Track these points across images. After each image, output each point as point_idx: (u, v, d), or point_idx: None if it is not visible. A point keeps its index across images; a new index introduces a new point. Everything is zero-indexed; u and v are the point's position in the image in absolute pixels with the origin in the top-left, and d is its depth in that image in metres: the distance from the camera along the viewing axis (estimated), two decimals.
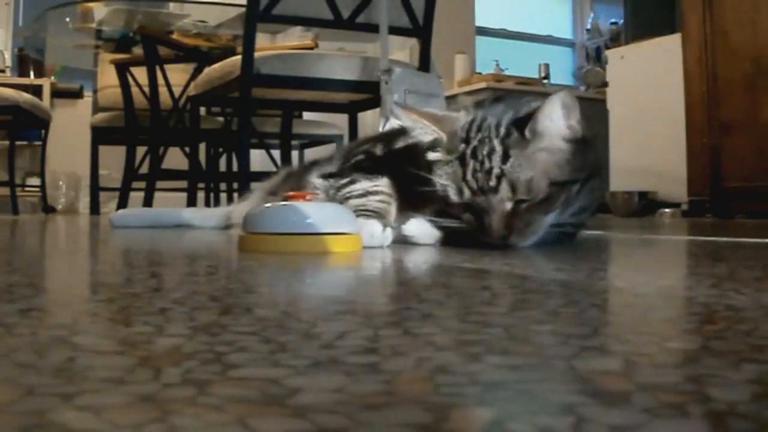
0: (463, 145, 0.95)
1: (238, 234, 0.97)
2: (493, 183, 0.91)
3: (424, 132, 1.00)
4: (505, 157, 0.91)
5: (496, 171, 0.91)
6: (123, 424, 0.21)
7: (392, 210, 1.07)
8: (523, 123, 0.94)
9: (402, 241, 1.04)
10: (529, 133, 0.93)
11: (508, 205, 0.92)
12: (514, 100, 1.03)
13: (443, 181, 0.97)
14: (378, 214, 1.02)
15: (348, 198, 1.08)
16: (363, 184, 1.09)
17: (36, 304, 0.46)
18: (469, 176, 0.93)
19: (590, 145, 0.99)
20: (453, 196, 0.95)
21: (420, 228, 1.04)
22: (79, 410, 0.22)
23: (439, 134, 0.99)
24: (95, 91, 3.68)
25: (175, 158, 2.97)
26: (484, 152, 0.93)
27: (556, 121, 0.94)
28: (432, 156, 1.00)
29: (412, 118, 1.01)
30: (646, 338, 0.35)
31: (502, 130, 0.94)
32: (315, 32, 2.84)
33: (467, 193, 0.94)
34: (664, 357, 0.31)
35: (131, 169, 3.17)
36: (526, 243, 0.95)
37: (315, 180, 1.27)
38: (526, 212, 0.92)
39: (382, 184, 1.09)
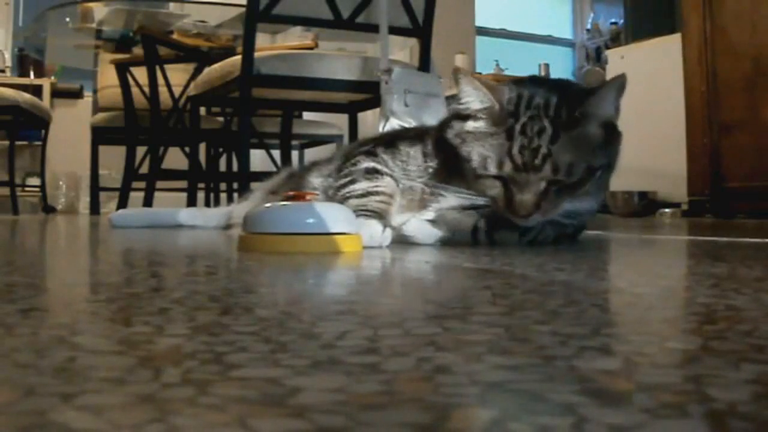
0: (511, 120, 0.96)
1: (238, 234, 0.97)
2: (538, 161, 0.93)
3: (478, 99, 1.00)
4: (554, 138, 0.93)
5: (543, 151, 0.93)
6: (123, 424, 0.21)
7: (392, 210, 1.07)
8: (572, 104, 0.95)
9: (402, 241, 1.04)
10: (579, 115, 0.95)
11: (543, 185, 0.94)
12: (556, 81, 1.06)
13: (484, 151, 0.96)
14: (378, 215, 1.02)
15: (348, 197, 1.08)
16: (363, 184, 1.09)
17: (36, 304, 0.46)
18: (515, 151, 0.94)
19: (618, 137, 1.02)
20: (492, 168, 0.96)
21: (419, 228, 1.04)
22: (79, 410, 0.22)
23: (493, 103, 0.98)
24: (95, 91, 3.68)
25: (175, 158, 2.97)
26: (535, 130, 0.94)
27: (608, 106, 0.97)
28: (471, 126, 1.00)
29: (474, 85, 1.00)
30: (646, 338, 0.35)
31: (552, 111, 0.95)
32: (315, 32, 2.84)
33: (508, 166, 0.94)
34: (664, 357, 0.31)
35: (131, 169, 3.17)
36: (542, 220, 0.97)
37: (314, 180, 1.27)
38: (556, 194, 0.95)
39: (383, 184, 1.08)
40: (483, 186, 0.98)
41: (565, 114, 0.95)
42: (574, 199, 0.97)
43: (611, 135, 0.99)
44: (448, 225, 1.03)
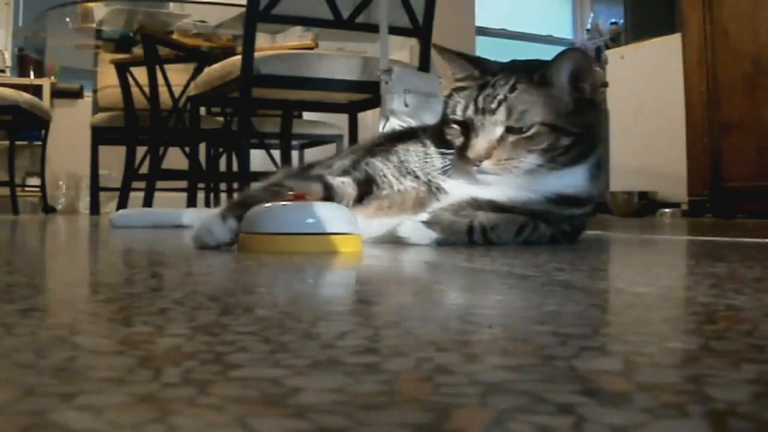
0: (489, 77, 1.05)
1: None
2: (493, 105, 1.01)
3: (460, 67, 1.10)
4: (513, 89, 1.01)
5: (500, 96, 1.01)
6: (123, 424, 0.21)
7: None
8: (535, 69, 1.04)
9: (397, 242, 1.04)
10: (538, 79, 1.02)
11: (498, 131, 1.00)
12: (535, 59, 1.14)
13: (458, 99, 1.05)
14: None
15: None
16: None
17: (36, 304, 0.46)
18: (480, 97, 1.02)
19: (594, 108, 1.09)
20: (458, 112, 1.04)
21: (414, 230, 1.04)
22: (79, 410, 0.22)
23: (473, 70, 1.09)
24: (95, 91, 3.68)
25: (175, 158, 2.97)
26: (501, 83, 1.03)
27: (564, 76, 1.04)
28: (456, 85, 1.09)
29: (452, 57, 1.11)
30: (646, 338, 0.35)
31: (520, 72, 1.04)
32: (315, 32, 2.84)
33: (471, 110, 1.02)
34: (664, 357, 0.31)
35: (131, 169, 3.17)
36: (496, 171, 1.02)
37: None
38: (511, 145, 1.00)
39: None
40: (450, 137, 1.05)
41: (527, 74, 1.03)
42: (534, 155, 1.00)
43: (585, 106, 1.04)
44: (443, 226, 1.03)
